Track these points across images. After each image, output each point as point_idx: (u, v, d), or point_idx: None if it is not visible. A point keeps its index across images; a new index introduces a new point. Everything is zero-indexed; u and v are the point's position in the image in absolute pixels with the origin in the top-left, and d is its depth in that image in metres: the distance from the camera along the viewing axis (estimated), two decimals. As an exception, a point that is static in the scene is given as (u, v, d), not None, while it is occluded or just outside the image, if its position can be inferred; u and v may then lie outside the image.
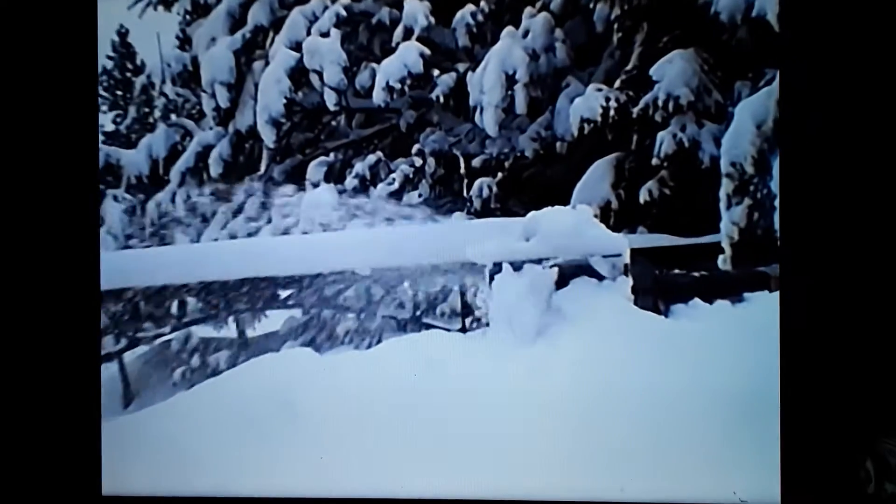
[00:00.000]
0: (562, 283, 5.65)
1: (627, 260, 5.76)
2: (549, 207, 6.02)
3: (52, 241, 4.13)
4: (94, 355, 4.30)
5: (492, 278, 5.78)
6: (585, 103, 8.29)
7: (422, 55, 9.27)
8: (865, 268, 3.63)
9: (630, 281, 5.67)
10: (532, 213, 6.03)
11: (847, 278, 3.63)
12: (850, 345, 3.58)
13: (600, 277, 5.65)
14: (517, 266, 5.65)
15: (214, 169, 10.17)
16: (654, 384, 4.25)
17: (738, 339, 4.55)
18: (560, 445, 4.03)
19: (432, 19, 9.51)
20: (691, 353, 4.53)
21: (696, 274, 6.34)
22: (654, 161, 7.99)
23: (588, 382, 4.39)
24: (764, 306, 5.82)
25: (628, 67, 8.67)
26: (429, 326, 6.63)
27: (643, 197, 8.12)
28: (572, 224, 5.84)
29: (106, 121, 11.58)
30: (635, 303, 5.56)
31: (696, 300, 6.00)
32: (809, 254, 3.66)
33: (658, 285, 5.98)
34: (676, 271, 6.45)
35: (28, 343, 4.08)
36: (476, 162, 9.53)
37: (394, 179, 9.43)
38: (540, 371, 4.61)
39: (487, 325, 5.68)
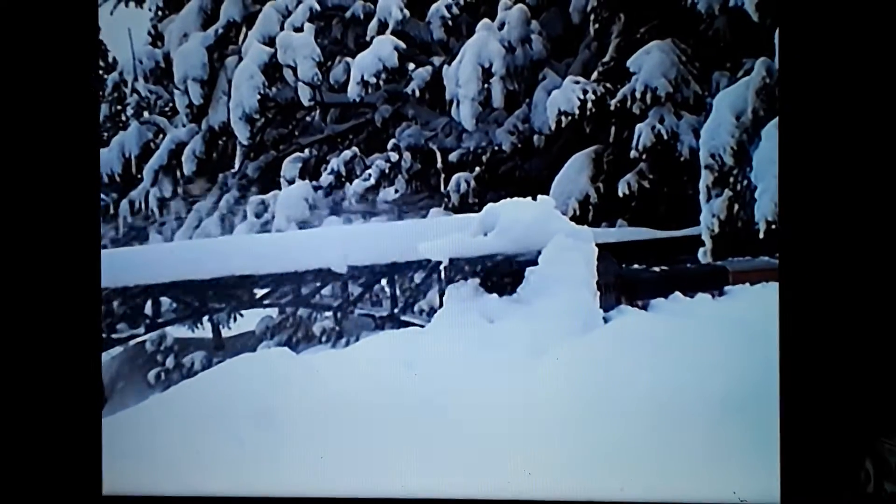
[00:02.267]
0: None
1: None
2: (508, 199, 5.92)
3: (50, 240, 4.05)
4: (95, 353, 4.22)
5: (448, 275, 5.69)
6: (563, 96, 8.26)
7: (396, 49, 9.21)
8: (865, 268, 3.59)
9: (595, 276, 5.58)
10: (490, 206, 5.91)
11: (846, 278, 3.59)
12: (849, 345, 3.55)
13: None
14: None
15: (188, 166, 10.07)
16: (652, 383, 4.22)
17: (730, 335, 4.51)
18: (559, 445, 4.00)
19: (407, 12, 9.46)
20: (685, 349, 4.50)
21: (657, 269, 6.28)
22: (633, 153, 7.98)
23: (585, 381, 4.35)
24: (746, 300, 5.83)
25: (605, 59, 8.66)
26: (407, 324, 6.57)
27: (622, 190, 8.10)
28: (533, 217, 5.70)
29: (77, 119, 11.45)
30: (600, 300, 5.49)
31: (678, 294, 5.94)
32: (808, 252, 3.62)
33: (621, 282, 5.88)
34: (636, 266, 6.38)
35: (27, 342, 4.00)
36: (453, 156, 9.49)
37: (369, 175, 9.37)
38: (530, 370, 4.56)
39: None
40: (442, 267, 5.78)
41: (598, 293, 5.47)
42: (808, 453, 3.54)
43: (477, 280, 5.63)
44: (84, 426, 4.02)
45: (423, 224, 7.83)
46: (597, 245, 5.61)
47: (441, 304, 5.95)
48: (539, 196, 5.83)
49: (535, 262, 5.52)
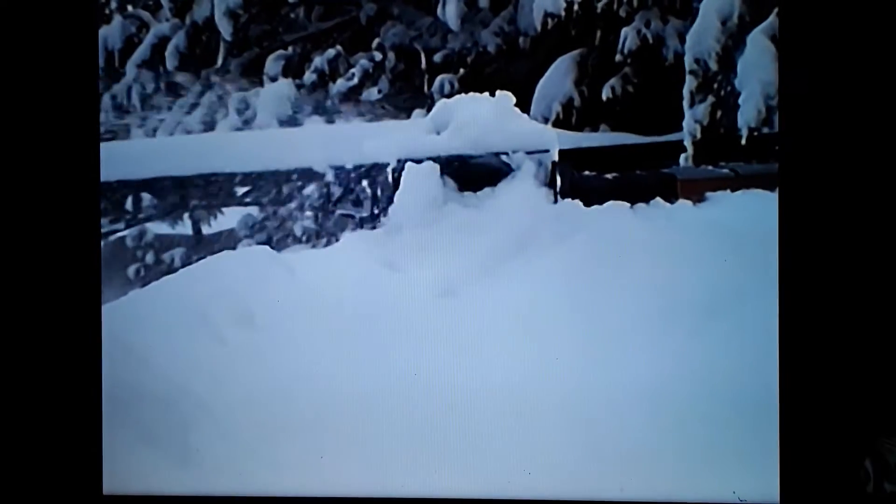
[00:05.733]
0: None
1: (556, 157, 5.50)
2: (464, 94, 5.74)
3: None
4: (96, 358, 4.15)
5: (396, 180, 5.55)
6: (549, -3, 8.19)
7: (383, -56, 9.11)
8: (865, 268, 3.59)
9: (558, 183, 5.45)
10: (443, 101, 5.72)
11: (847, 278, 3.58)
12: (849, 344, 3.55)
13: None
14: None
15: (170, 62, 9.98)
16: (651, 380, 4.20)
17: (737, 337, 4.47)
18: (559, 444, 3.96)
19: None
20: (685, 339, 4.46)
21: (608, 176, 6.21)
22: (618, 57, 7.96)
23: (586, 376, 4.32)
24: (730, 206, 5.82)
25: (593, -40, 8.56)
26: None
27: (606, 94, 8.08)
28: (491, 114, 5.51)
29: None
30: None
31: (658, 200, 5.92)
32: (808, 254, 3.62)
33: (574, 188, 5.72)
34: (587, 173, 6.28)
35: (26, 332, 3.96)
36: (437, 57, 9.41)
37: (353, 74, 9.31)
38: (523, 357, 4.50)
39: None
40: (389, 169, 5.63)
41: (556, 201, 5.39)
42: (808, 453, 3.55)
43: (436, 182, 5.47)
44: (85, 422, 4.00)
45: (405, 125, 7.80)
46: (573, 150, 5.51)
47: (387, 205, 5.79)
48: (498, 91, 5.62)
49: (492, 164, 5.42)
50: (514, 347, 4.53)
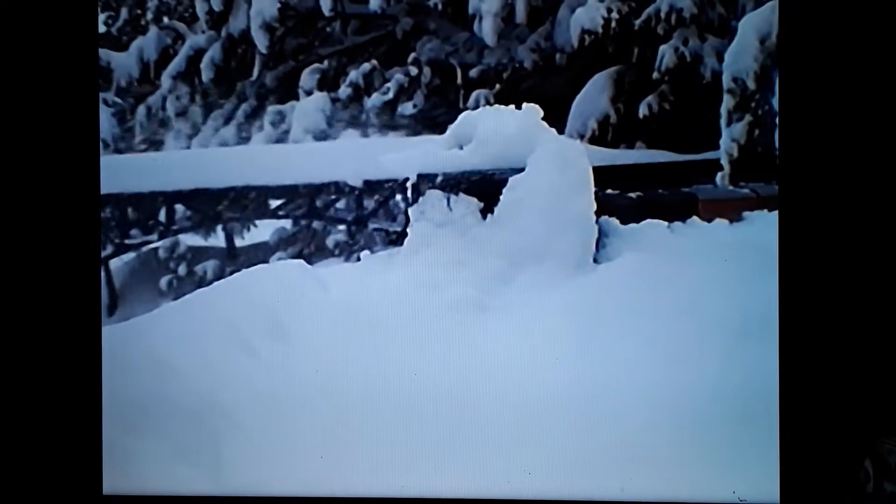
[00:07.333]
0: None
1: None
2: (489, 107, 5.64)
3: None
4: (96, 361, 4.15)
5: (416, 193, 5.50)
6: (587, 14, 8.16)
7: (420, -41, 9.13)
8: (865, 267, 3.57)
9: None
10: (466, 114, 5.59)
11: (847, 279, 3.56)
12: (849, 344, 3.54)
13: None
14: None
15: (206, 74, 10.03)
16: (652, 381, 4.18)
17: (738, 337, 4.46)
18: (559, 444, 3.96)
19: (431, -78, 9.35)
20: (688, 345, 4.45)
21: (632, 195, 6.15)
22: (655, 75, 7.93)
23: (587, 379, 4.31)
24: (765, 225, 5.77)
25: (631, -24, 8.55)
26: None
27: (642, 111, 8.05)
28: (516, 128, 5.36)
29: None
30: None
31: (694, 219, 5.89)
32: (807, 256, 3.60)
33: (599, 206, 5.61)
34: (609, 191, 6.21)
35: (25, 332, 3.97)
36: (473, 72, 9.41)
37: (388, 89, 9.32)
38: (529, 359, 4.48)
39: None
40: (409, 184, 5.53)
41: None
42: (808, 453, 3.54)
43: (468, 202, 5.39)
44: (84, 424, 4.00)
45: (428, 139, 7.78)
46: (609, 167, 5.45)
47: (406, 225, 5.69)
48: (524, 104, 5.48)
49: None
50: (516, 349, 4.52)
